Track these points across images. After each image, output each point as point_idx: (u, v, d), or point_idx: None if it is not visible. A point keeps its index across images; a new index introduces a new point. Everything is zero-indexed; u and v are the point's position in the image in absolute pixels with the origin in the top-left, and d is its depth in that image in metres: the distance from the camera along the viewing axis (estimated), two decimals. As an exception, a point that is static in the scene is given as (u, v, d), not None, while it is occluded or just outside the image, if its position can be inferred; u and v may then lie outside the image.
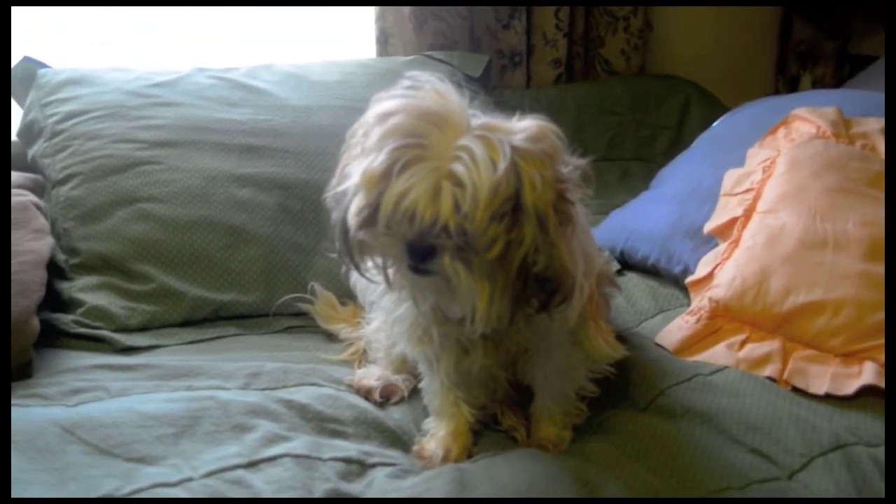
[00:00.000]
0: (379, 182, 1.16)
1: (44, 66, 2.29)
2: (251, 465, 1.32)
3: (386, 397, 1.61)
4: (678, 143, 2.85)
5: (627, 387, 1.61)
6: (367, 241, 1.23)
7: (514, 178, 1.15)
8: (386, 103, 1.21)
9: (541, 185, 1.16)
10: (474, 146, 1.14)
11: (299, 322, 1.95)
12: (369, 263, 1.28)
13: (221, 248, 1.97)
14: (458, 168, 1.13)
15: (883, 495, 1.31)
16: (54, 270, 1.87)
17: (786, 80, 3.63)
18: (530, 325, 1.35)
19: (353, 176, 1.22)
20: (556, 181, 1.20)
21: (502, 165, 1.13)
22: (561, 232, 1.20)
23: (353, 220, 1.22)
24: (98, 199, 1.96)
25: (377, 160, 1.16)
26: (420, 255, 1.18)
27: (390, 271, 1.26)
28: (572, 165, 1.26)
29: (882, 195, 1.82)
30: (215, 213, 1.99)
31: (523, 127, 1.20)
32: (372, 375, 1.64)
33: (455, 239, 1.16)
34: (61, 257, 1.91)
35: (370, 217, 1.20)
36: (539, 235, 1.18)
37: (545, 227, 1.18)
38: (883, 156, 1.94)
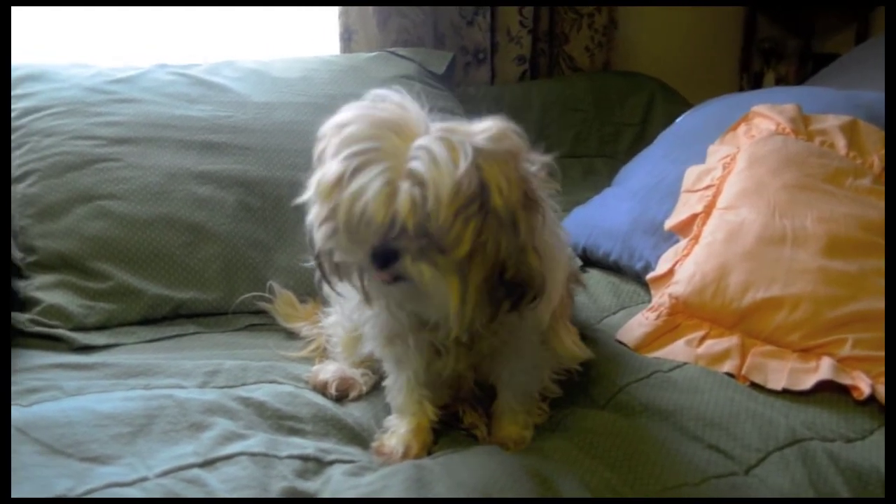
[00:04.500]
0: (333, 191, 1.16)
1: (1, 61, 2.26)
2: (207, 463, 1.31)
3: (343, 392, 1.60)
4: (642, 139, 2.86)
5: (587, 384, 1.61)
6: (333, 252, 1.22)
7: (477, 180, 1.13)
8: (343, 114, 1.21)
9: (507, 187, 1.15)
10: (433, 146, 1.13)
11: (260, 320, 1.94)
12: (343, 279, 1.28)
13: (181, 246, 1.95)
14: (417, 166, 1.12)
15: (838, 490, 1.32)
16: (10, 269, 1.84)
17: (749, 78, 3.65)
18: (504, 326, 1.34)
19: (309, 187, 1.22)
20: (521, 181, 1.19)
21: (463, 164, 1.12)
22: (530, 231, 1.20)
23: (314, 231, 1.22)
24: (55, 197, 1.94)
25: (331, 169, 1.16)
26: (383, 260, 1.17)
27: (364, 283, 1.25)
28: (537, 162, 1.26)
29: (840, 191, 1.83)
30: (175, 211, 1.97)
31: (483, 128, 1.19)
32: (328, 370, 1.63)
33: (418, 240, 1.15)
34: (18, 255, 1.88)
35: (331, 229, 1.19)
36: (511, 239, 1.17)
37: (517, 230, 1.17)
38: (841, 152, 1.95)
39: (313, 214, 1.22)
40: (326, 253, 1.25)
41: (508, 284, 1.20)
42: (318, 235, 1.22)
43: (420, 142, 1.14)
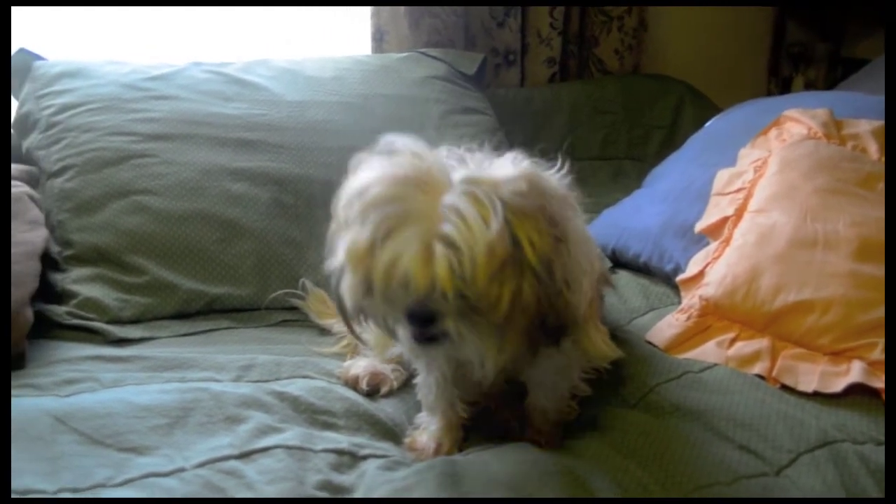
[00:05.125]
0: (365, 257, 1.13)
1: (39, 58, 2.29)
2: (244, 455, 1.33)
3: (374, 387, 1.62)
4: (671, 142, 2.86)
5: (618, 384, 1.61)
6: (368, 312, 1.22)
7: (510, 237, 1.11)
8: (363, 175, 1.17)
9: (539, 240, 1.13)
10: (461, 204, 1.10)
11: (292, 316, 1.95)
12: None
13: (215, 242, 1.97)
14: (449, 229, 1.09)
15: (869, 492, 1.32)
16: (48, 262, 1.87)
17: (778, 82, 3.64)
18: None
19: (338, 252, 1.19)
20: (551, 227, 1.17)
21: (495, 225, 1.09)
22: (562, 270, 1.18)
23: (347, 297, 1.20)
24: (92, 192, 1.97)
25: (361, 234, 1.13)
26: (422, 322, 1.16)
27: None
28: (560, 192, 1.26)
29: (872, 196, 1.83)
30: (209, 207, 2.00)
31: (508, 178, 1.15)
32: (360, 366, 1.65)
33: (455, 301, 1.13)
34: (55, 249, 1.91)
35: (365, 292, 1.17)
36: (549, 286, 1.15)
37: (553, 276, 1.15)
38: (874, 157, 1.95)
39: (346, 281, 1.20)
40: (356, 313, 1.24)
41: (550, 329, 1.20)
42: (350, 298, 1.20)
43: (448, 200, 1.11)
